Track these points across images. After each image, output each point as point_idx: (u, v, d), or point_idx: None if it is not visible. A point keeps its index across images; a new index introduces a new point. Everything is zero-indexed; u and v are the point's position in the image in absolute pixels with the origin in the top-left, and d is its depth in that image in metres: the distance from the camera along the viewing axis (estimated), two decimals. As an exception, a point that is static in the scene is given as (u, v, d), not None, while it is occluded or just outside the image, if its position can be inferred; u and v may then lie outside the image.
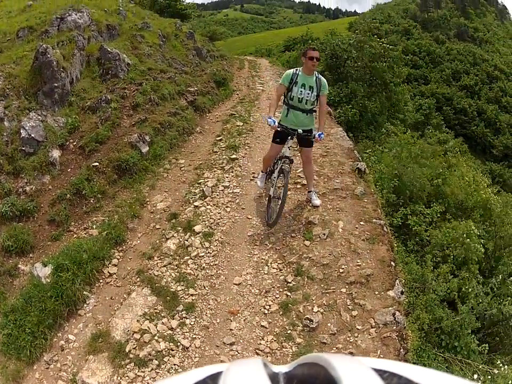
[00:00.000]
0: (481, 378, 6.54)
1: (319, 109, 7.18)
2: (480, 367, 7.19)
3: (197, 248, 6.92)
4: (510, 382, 6.44)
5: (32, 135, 8.68)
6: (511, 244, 11.92)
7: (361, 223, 7.18)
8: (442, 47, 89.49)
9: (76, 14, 13.04)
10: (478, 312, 8.99)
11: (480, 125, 73.65)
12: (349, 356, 0.69)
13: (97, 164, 8.73)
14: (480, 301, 9.17)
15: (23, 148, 8.50)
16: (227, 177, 9.15)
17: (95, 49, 12.21)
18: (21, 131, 8.63)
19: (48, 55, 10.11)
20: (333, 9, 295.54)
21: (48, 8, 14.22)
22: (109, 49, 12.02)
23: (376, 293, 5.81)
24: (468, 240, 9.90)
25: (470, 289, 8.96)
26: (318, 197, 7.83)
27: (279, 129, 6.90)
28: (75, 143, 9.31)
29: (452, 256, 9.86)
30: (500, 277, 10.16)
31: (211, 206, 8.09)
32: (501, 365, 7.04)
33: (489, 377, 6.71)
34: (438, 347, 7.67)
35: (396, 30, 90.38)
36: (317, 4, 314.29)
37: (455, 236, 10.06)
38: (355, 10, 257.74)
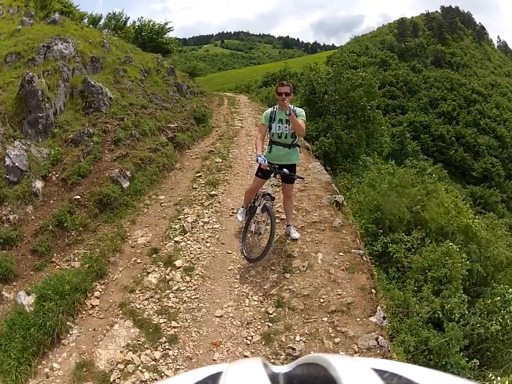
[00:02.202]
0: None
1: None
2: (471, 382, 7.29)
3: (178, 282, 6.99)
4: None
5: (16, 164, 8.69)
6: (497, 263, 12.09)
7: (340, 253, 7.30)
8: (419, 75, 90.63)
9: (62, 44, 13.17)
10: (465, 333, 9.08)
11: (459, 150, 74.24)
12: (349, 356, 0.74)
13: (79, 197, 8.76)
14: (468, 321, 9.27)
15: (7, 176, 8.49)
16: (207, 213, 9.28)
17: (79, 82, 12.33)
18: (6, 159, 8.63)
19: (34, 84, 10.22)
20: (311, 43, 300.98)
21: (35, 35, 14.28)
22: (92, 82, 12.14)
23: (358, 319, 5.89)
24: (448, 258, 10.01)
25: (453, 306, 9.02)
26: (296, 230, 7.98)
27: (268, 168, 7.00)
28: (57, 175, 9.33)
29: (434, 278, 9.95)
30: (489, 300, 10.25)
31: (191, 241, 8.18)
32: (493, 377, 7.14)
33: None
34: (426, 367, 7.73)
35: (373, 61, 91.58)
36: (296, 38, 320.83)
37: (435, 257, 10.18)
38: (333, 44, 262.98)
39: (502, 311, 9.75)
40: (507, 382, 6.98)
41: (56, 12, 19.47)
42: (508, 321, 9.55)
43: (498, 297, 10.25)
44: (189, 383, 0.66)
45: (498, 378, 7.09)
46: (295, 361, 0.73)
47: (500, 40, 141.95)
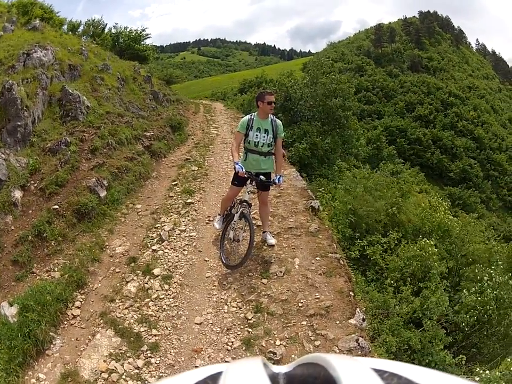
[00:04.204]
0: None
1: (275, 152, 7.41)
2: (470, 382, 7.36)
3: (157, 290, 7.02)
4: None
5: (-4, 174, 8.67)
6: (474, 260, 12.23)
7: (317, 258, 7.40)
8: (395, 80, 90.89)
9: (41, 51, 13.10)
10: (444, 322, 9.20)
11: (436, 152, 74.73)
12: (349, 356, 0.73)
13: (57, 206, 8.75)
14: (446, 313, 9.38)
15: (-13, 186, 8.46)
16: (183, 221, 9.33)
17: (57, 90, 12.32)
18: (-15, 168, 8.59)
19: (13, 92, 10.23)
20: (288, 50, 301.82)
21: (16, 42, 14.12)
22: (70, 91, 12.11)
23: (338, 322, 5.98)
24: (424, 253, 10.12)
25: (433, 305, 9.11)
26: (273, 236, 8.06)
27: (246, 175, 7.08)
28: (36, 184, 9.33)
29: (411, 275, 10.05)
30: (465, 291, 10.37)
31: (169, 249, 8.22)
32: (481, 371, 7.20)
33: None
34: None
35: (349, 67, 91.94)
36: (272, 45, 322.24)
37: (411, 255, 10.28)
38: (309, 51, 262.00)
39: (479, 300, 9.91)
40: (497, 373, 7.06)
41: (37, 18, 19.30)
42: (490, 311, 9.73)
43: (473, 288, 10.41)
44: (189, 383, 0.66)
45: (487, 371, 7.16)
46: (295, 361, 0.74)
47: (479, 43, 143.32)
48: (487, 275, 10.43)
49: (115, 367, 5.61)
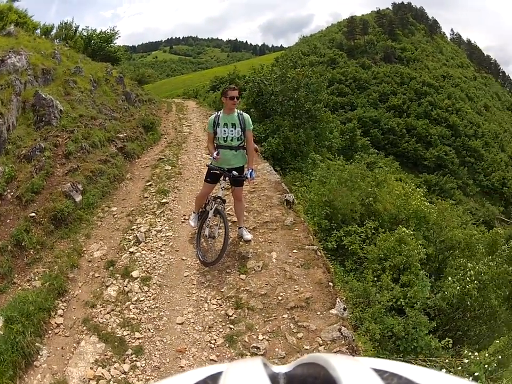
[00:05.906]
0: (451, 371, 6.71)
1: (247, 146, 7.51)
2: (447, 361, 7.30)
3: (136, 293, 7.02)
4: (486, 366, 6.71)
5: (-27, 184, 8.58)
6: (453, 246, 12.37)
7: (294, 251, 7.52)
8: (368, 71, 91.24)
9: (15, 57, 12.96)
10: (427, 308, 9.31)
11: (411, 141, 75.31)
12: (349, 356, 0.73)
13: (34, 214, 8.68)
14: (428, 302, 9.49)
15: (-36, 197, 8.39)
16: (159, 221, 9.35)
17: (31, 95, 12.23)
18: (-38, 179, 8.50)
19: (-12, 100, 10.07)
20: (260, 45, 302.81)
21: (-9, 49, 14.03)
22: (43, 96, 12.02)
23: (319, 313, 6.07)
24: (403, 245, 10.21)
25: (415, 293, 9.21)
26: (249, 231, 8.15)
27: (218, 171, 7.24)
28: (12, 193, 9.23)
29: (391, 266, 10.12)
30: (450, 279, 10.47)
31: (146, 251, 8.23)
32: (470, 353, 7.19)
33: (460, 368, 6.87)
34: (396, 353, 7.82)
35: (322, 60, 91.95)
36: (244, 41, 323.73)
37: (390, 246, 10.37)
38: (281, 45, 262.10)
39: (462, 282, 10.01)
40: (486, 354, 7.16)
41: (12, 23, 19.14)
42: (474, 292, 9.82)
43: (459, 271, 10.51)
44: (189, 383, 0.66)
45: (476, 353, 7.24)
46: (295, 361, 0.73)
47: (454, 33, 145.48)
48: (468, 268, 10.51)
49: (102, 373, 5.59)
